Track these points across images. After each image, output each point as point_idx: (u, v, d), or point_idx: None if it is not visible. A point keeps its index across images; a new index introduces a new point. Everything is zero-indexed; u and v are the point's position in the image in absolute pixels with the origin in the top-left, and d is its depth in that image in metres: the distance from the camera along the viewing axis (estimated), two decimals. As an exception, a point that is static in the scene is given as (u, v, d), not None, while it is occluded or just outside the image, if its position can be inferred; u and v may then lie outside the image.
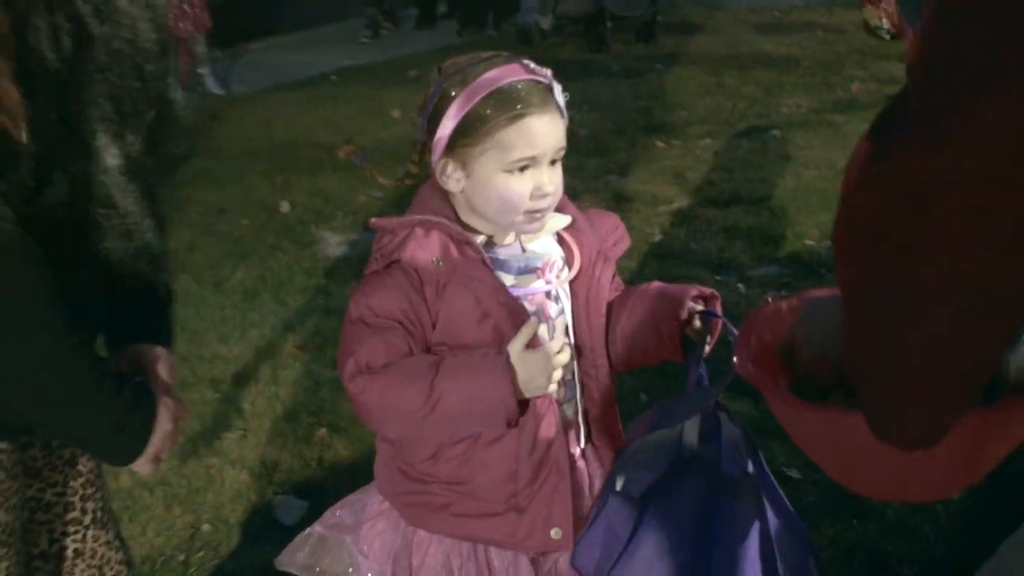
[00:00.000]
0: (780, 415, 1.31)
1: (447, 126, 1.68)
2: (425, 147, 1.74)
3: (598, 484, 1.83)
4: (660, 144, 6.30)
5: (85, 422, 1.43)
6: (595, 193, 5.38)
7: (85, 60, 1.30)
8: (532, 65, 1.72)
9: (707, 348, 1.75)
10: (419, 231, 1.69)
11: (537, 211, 1.71)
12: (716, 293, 1.83)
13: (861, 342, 1.04)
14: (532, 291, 1.76)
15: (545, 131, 1.68)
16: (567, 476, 1.77)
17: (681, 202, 5.33)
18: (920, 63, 0.88)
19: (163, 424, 1.52)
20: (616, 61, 8.55)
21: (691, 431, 1.73)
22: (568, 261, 1.81)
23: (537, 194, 1.69)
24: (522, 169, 1.67)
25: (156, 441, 1.51)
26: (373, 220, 1.75)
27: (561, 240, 1.82)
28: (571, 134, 1.74)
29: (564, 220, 1.80)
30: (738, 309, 3.97)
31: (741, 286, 4.30)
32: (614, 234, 1.88)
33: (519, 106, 1.65)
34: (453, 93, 1.68)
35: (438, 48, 8.84)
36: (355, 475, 2.86)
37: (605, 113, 6.90)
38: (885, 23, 7.64)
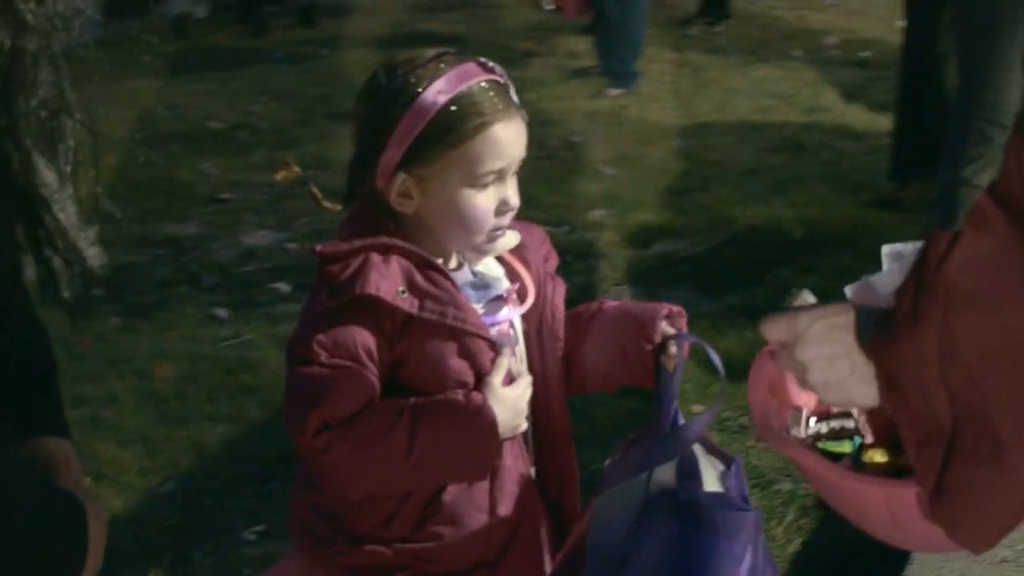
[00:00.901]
0: (825, 487, 1.34)
1: (400, 140, 1.49)
2: (370, 162, 1.52)
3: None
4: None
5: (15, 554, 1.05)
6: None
7: None
8: (488, 63, 1.54)
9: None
10: (376, 257, 1.48)
11: (500, 229, 1.56)
12: (682, 310, 1.67)
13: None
14: (500, 320, 1.59)
15: (512, 139, 1.52)
16: (539, 524, 1.63)
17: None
18: None
19: (97, 538, 1.18)
20: (278, 47, 8.16)
21: (664, 470, 1.54)
22: (517, 283, 1.64)
23: (503, 209, 1.54)
24: (487, 184, 1.52)
25: (92, 560, 1.17)
26: (319, 247, 1.51)
27: (501, 259, 1.65)
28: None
29: (514, 238, 1.62)
30: None
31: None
32: (543, 248, 1.70)
33: (486, 113, 1.49)
34: (405, 103, 1.49)
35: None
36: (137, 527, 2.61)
37: (284, 103, 6.50)
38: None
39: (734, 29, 7.68)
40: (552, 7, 7.52)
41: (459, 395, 1.51)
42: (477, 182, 1.51)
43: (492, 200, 1.52)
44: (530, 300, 1.63)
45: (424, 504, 1.55)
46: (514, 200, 1.55)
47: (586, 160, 5.20)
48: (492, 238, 1.56)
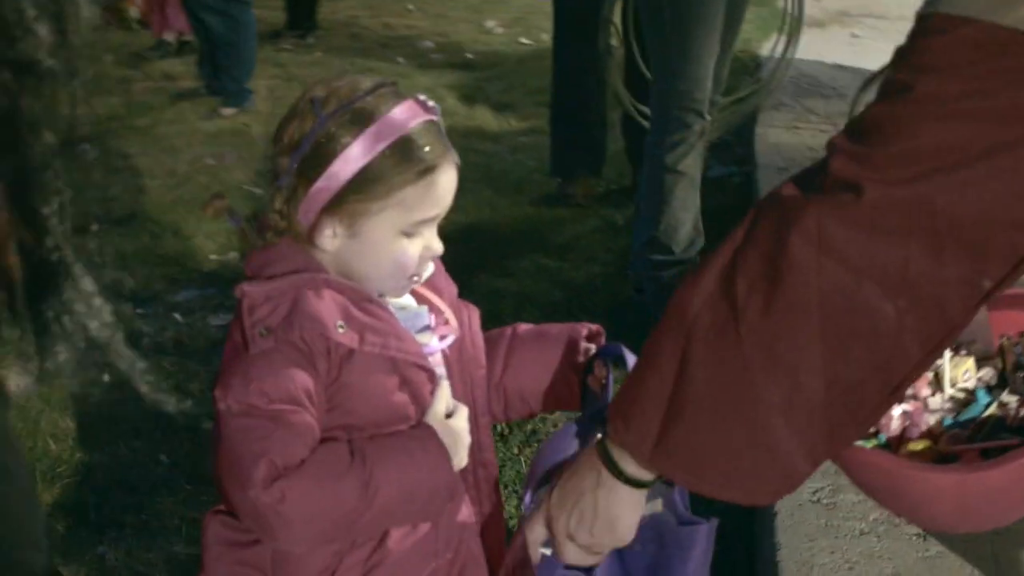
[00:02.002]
0: (887, 481, 1.39)
1: (335, 177, 1.41)
2: (294, 196, 1.44)
3: None
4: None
5: None
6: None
7: None
8: (427, 101, 1.48)
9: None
10: (308, 293, 1.42)
11: (420, 274, 1.52)
12: (600, 328, 1.67)
13: None
14: (434, 350, 1.55)
15: (450, 186, 1.47)
16: (482, 564, 1.59)
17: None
18: None
19: None
20: None
21: None
22: (434, 312, 1.60)
23: (427, 255, 1.50)
24: (419, 230, 1.47)
25: None
26: (244, 287, 1.43)
27: (412, 290, 1.59)
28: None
29: (430, 267, 1.56)
30: (195, 342, 3.58)
31: (178, 316, 3.78)
32: (444, 276, 1.64)
33: (427, 159, 1.43)
34: (345, 138, 1.41)
35: None
36: None
37: None
38: (134, 11, 7.27)
39: (325, 40, 7.57)
40: (137, 25, 7.09)
41: (406, 430, 1.47)
42: (411, 229, 1.46)
43: (418, 246, 1.48)
44: (455, 327, 1.59)
45: (368, 554, 1.48)
46: (438, 246, 1.50)
47: (229, 182, 4.91)
48: (411, 282, 1.52)
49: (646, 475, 1.31)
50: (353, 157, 1.40)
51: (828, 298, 1.09)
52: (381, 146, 1.40)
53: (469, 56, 6.96)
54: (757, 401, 1.14)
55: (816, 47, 5.90)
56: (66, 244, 0.97)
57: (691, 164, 3.45)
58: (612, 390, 1.54)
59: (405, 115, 1.43)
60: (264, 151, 1.47)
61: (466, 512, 1.57)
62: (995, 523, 1.48)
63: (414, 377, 1.48)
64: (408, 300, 1.57)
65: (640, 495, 1.35)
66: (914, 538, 2.13)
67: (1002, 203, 1.02)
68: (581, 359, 1.62)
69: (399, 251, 1.46)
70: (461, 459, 1.52)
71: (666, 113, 3.42)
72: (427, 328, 1.55)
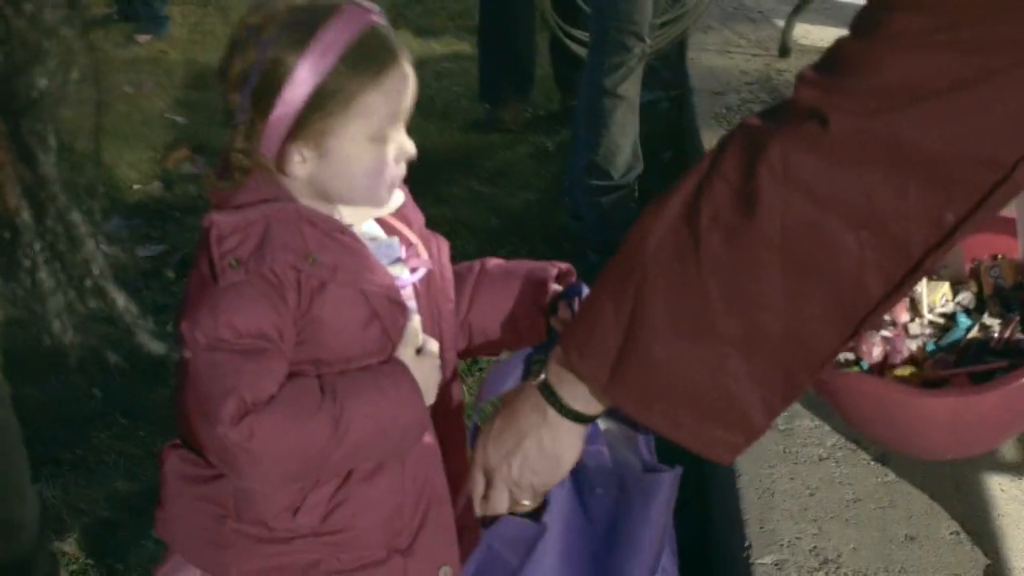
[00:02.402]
0: (880, 408, 1.44)
1: (291, 102, 1.36)
2: (254, 129, 1.39)
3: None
4: None
5: None
6: None
7: None
8: (364, 4, 1.42)
9: None
10: (279, 224, 1.38)
11: (398, 179, 1.47)
12: (571, 268, 1.64)
13: None
14: (406, 283, 1.50)
15: (408, 83, 1.44)
16: (447, 501, 1.55)
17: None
18: None
19: None
20: None
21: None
22: (404, 243, 1.55)
23: (400, 158, 1.45)
24: (387, 133, 1.42)
25: None
26: (213, 216, 1.38)
27: (380, 220, 1.54)
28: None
29: (399, 197, 1.53)
30: (124, 274, 3.46)
31: (103, 247, 3.65)
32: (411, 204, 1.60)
33: (379, 61, 1.39)
34: (291, 60, 1.35)
35: None
36: None
37: None
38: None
39: (236, -37, 7.35)
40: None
41: (377, 365, 1.44)
42: (378, 133, 1.41)
43: (392, 150, 1.44)
44: (426, 259, 1.54)
45: (333, 491, 1.45)
46: (410, 146, 1.46)
47: (150, 110, 4.76)
48: (392, 189, 1.48)
49: (593, 409, 1.30)
50: (303, 78, 1.36)
51: (791, 231, 1.08)
52: (329, 60, 1.36)
53: (387, -21, 6.82)
54: (715, 334, 1.13)
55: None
56: (57, 180, 0.90)
57: (630, 88, 3.42)
58: None
59: (346, 23, 1.37)
60: (184, 80, 1.41)
61: (431, 447, 1.55)
62: (985, 447, 1.49)
63: (386, 310, 1.45)
64: (378, 231, 1.53)
65: (584, 430, 1.35)
66: (873, 463, 2.15)
67: (968, 138, 1.02)
68: (548, 299, 1.59)
69: (373, 159, 1.42)
70: (431, 395, 1.49)
71: (605, 36, 3.38)
72: (398, 260, 1.51)
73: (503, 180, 4.08)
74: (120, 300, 0.97)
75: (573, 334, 1.27)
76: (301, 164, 1.41)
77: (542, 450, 1.34)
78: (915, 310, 1.54)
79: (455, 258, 3.64)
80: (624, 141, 3.45)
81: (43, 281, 0.90)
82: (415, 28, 5.84)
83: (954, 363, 1.43)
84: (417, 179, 4.12)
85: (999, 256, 1.50)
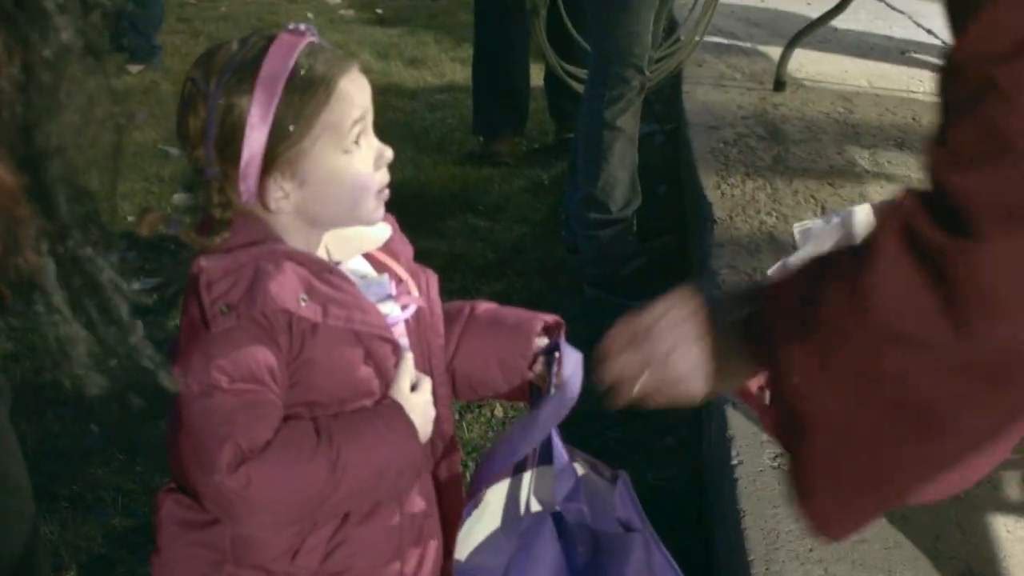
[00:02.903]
0: None
1: (255, 139, 1.37)
2: (227, 179, 1.40)
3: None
4: None
5: None
6: None
7: None
8: (299, 26, 1.44)
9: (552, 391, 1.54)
10: (268, 266, 1.38)
11: (385, 186, 1.47)
12: (561, 321, 1.63)
13: None
14: (396, 320, 1.51)
15: (359, 84, 1.43)
16: (439, 536, 1.58)
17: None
18: None
19: None
20: None
21: (544, 488, 1.54)
22: (394, 279, 1.55)
23: (380, 163, 1.45)
24: (357, 141, 1.42)
25: None
26: (201, 262, 1.39)
27: (368, 256, 1.55)
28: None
29: (386, 230, 1.54)
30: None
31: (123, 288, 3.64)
32: (399, 236, 1.61)
33: (326, 73, 1.39)
34: (242, 103, 1.36)
35: None
36: None
37: None
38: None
39: (230, -5, 7.36)
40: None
41: (372, 406, 1.45)
42: (347, 142, 1.41)
43: (368, 157, 1.44)
44: (416, 296, 1.55)
45: (331, 533, 1.45)
46: (387, 151, 1.46)
47: (143, 141, 4.75)
48: (381, 197, 1.47)
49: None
50: (259, 115, 1.36)
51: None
52: (277, 93, 1.36)
53: (379, 11, 6.83)
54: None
55: (729, 3, 5.91)
56: (78, 228, 0.89)
57: (629, 120, 3.42)
58: (553, 390, 1.53)
59: (284, 49, 1.38)
60: (176, 110, 1.41)
61: (427, 485, 1.56)
62: (956, 486, 1.48)
63: (378, 350, 1.45)
64: (367, 268, 1.54)
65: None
66: (877, 501, 2.14)
67: None
68: (531, 353, 1.60)
69: (353, 170, 1.42)
70: (426, 433, 1.50)
71: (605, 68, 3.38)
72: (389, 297, 1.51)
73: (498, 213, 4.07)
74: (142, 344, 0.96)
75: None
76: (284, 198, 1.41)
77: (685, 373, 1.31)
78: None
79: (451, 293, 3.61)
80: (623, 174, 3.44)
81: (68, 334, 0.88)
82: (408, 60, 5.85)
83: None
84: (412, 212, 4.14)
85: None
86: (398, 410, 1.44)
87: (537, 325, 1.62)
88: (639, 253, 3.55)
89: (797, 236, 1.57)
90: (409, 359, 1.49)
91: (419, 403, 1.48)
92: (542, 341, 1.61)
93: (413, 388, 1.49)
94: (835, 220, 1.60)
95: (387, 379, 1.46)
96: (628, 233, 3.53)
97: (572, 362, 1.55)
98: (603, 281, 3.50)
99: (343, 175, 1.41)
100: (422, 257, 3.68)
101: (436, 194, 4.20)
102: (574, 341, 3.25)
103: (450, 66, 5.74)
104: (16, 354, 3.05)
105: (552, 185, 4.27)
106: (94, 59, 0.85)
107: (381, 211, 1.48)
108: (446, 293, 3.46)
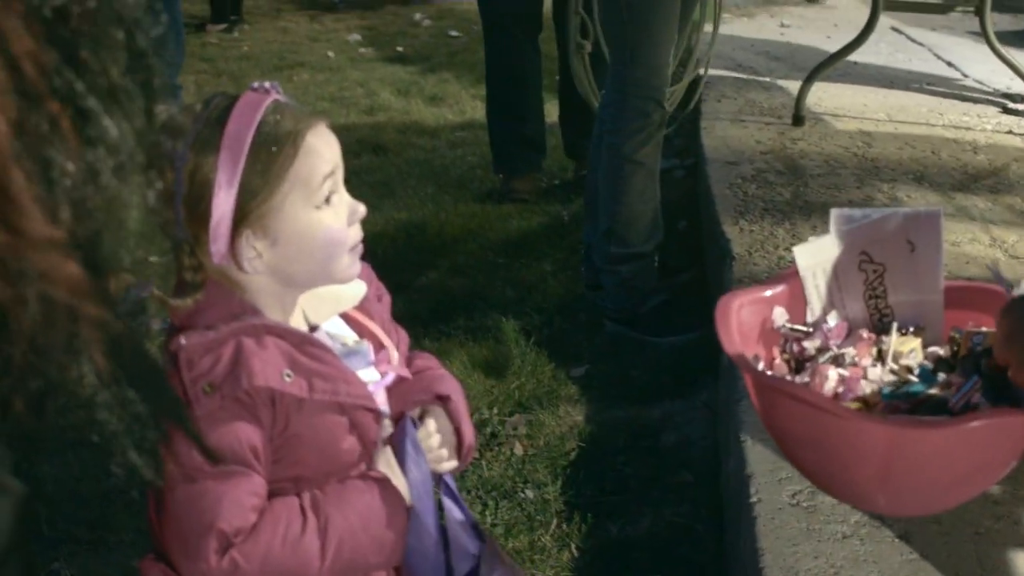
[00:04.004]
0: (822, 429, 1.31)
1: (223, 199, 1.34)
2: (197, 241, 1.37)
3: None
4: None
5: None
6: None
7: None
8: (261, 85, 1.42)
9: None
10: (249, 343, 1.35)
11: (359, 242, 1.45)
12: (451, 397, 1.57)
13: None
14: (376, 388, 1.49)
15: (327, 140, 1.42)
16: None
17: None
18: None
19: None
20: None
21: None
22: (371, 341, 1.54)
23: (353, 219, 1.44)
24: (328, 200, 1.40)
25: None
26: (180, 340, 1.35)
27: (345, 316, 1.54)
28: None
29: (360, 288, 1.52)
30: None
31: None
32: (374, 286, 1.58)
33: (292, 128, 1.38)
34: (207, 163, 1.33)
35: None
36: None
37: None
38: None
39: (251, 34, 7.44)
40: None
41: (358, 478, 1.43)
42: (319, 198, 1.39)
43: (341, 213, 1.42)
44: (395, 358, 1.54)
45: None
46: (361, 207, 1.45)
47: (166, 177, 4.77)
48: (355, 253, 1.45)
49: None
50: (225, 177, 1.34)
51: None
52: (243, 151, 1.34)
53: (399, 49, 6.88)
54: None
55: (749, 37, 5.92)
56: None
57: (649, 154, 3.42)
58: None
59: (248, 108, 1.36)
60: None
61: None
62: (919, 506, 1.46)
63: (362, 419, 1.44)
64: (346, 330, 1.53)
65: None
66: (897, 540, 2.12)
67: None
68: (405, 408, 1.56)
69: (325, 225, 1.40)
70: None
71: (624, 101, 3.39)
72: (369, 364, 1.51)
73: (518, 251, 4.08)
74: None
75: None
76: (258, 258, 1.39)
77: None
78: (880, 359, 1.51)
79: (471, 331, 3.63)
80: (644, 208, 3.44)
81: (106, 419, 0.87)
82: (428, 97, 5.89)
83: (906, 411, 1.40)
84: (432, 250, 4.15)
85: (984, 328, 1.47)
86: (384, 478, 1.44)
87: (427, 392, 1.57)
88: (660, 289, 3.55)
89: (833, 222, 1.56)
90: (386, 427, 1.48)
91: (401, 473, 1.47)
92: (413, 412, 1.55)
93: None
94: (875, 215, 1.58)
95: (369, 449, 1.46)
96: (649, 269, 3.53)
97: (406, 448, 1.50)
98: (624, 317, 3.50)
99: (315, 230, 1.40)
100: (444, 295, 3.73)
101: (456, 231, 4.21)
102: (596, 377, 3.27)
103: (470, 103, 5.77)
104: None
105: (571, 222, 4.28)
106: (154, 173, 0.82)
107: (356, 268, 1.46)
108: (466, 331, 3.50)
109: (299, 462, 1.39)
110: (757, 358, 1.52)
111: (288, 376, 1.35)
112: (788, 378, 1.50)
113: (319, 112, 1.47)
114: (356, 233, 1.44)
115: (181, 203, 1.34)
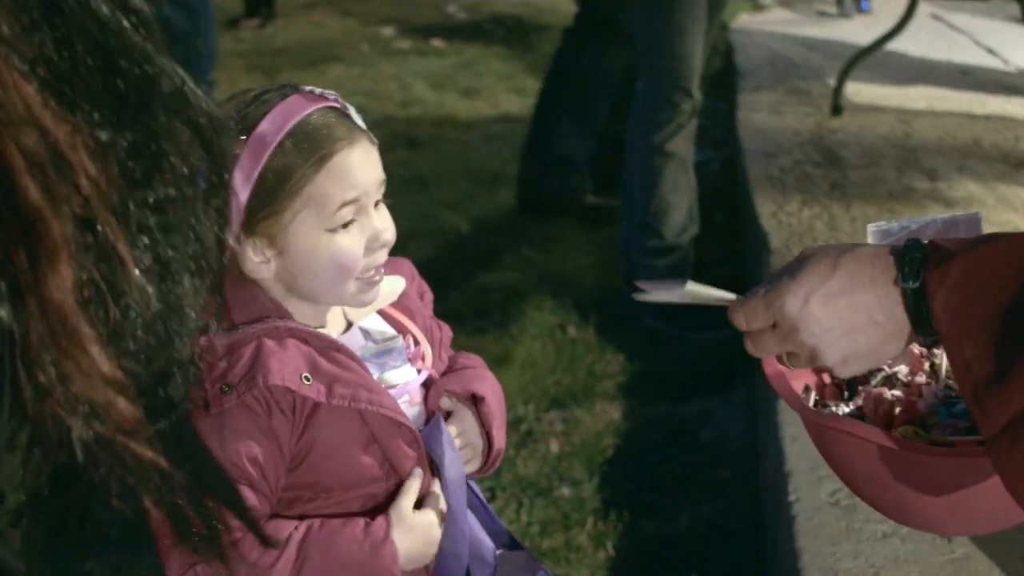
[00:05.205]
0: (883, 464, 1.24)
1: (236, 198, 1.28)
2: None
3: None
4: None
5: None
6: None
7: None
8: (316, 90, 1.37)
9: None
10: (270, 343, 1.31)
11: (375, 271, 1.37)
12: (488, 398, 1.50)
13: None
14: (407, 388, 1.43)
15: (361, 164, 1.34)
16: None
17: None
18: None
19: None
20: None
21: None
22: (407, 338, 1.49)
23: (374, 246, 1.36)
24: (347, 224, 1.34)
25: None
26: (202, 341, 1.20)
27: (383, 313, 1.48)
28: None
29: (398, 284, 1.46)
30: None
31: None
32: (415, 284, 1.53)
33: (323, 144, 1.32)
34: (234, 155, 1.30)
35: None
36: None
37: None
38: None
39: (285, 29, 7.43)
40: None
41: (360, 524, 1.35)
42: (335, 223, 1.33)
43: (358, 239, 1.35)
44: (429, 360, 1.48)
45: None
46: (387, 234, 1.37)
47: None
48: (369, 282, 1.38)
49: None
50: (240, 180, 1.29)
51: None
52: (264, 157, 1.29)
53: (435, 43, 6.86)
54: None
55: (785, 27, 5.86)
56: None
57: (681, 145, 3.38)
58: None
59: (279, 116, 1.31)
60: None
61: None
62: (988, 525, 1.42)
63: (384, 433, 1.37)
64: (384, 326, 1.48)
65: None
66: (939, 540, 2.08)
67: None
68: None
69: (335, 251, 1.33)
70: (426, 556, 1.41)
71: (654, 92, 3.36)
72: (407, 361, 1.45)
73: (553, 245, 4.05)
74: None
75: (971, 361, 1.05)
76: (265, 264, 1.34)
77: (870, 347, 1.16)
78: (934, 374, 1.47)
79: (504, 326, 3.60)
80: (676, 199, 3.41)
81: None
82: (463, 91, 5.86)
83: (965, 431, 1.35)
84: (466, 246, 4.13)
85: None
86: (383, 534, 1.35)
87: (463, 386, 1.50)
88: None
89: (871, 236, 1.50)
90: (417, 475, 1.40)
91: (420, 524, 1.39)
92: (446, 402, 1.49)
93: (419, 505, 1.40)
94: (913, 226, 1.53)
95: (396, 466, 1.39)
96: (685, 262, 3.49)
97: (442, 446, 1.45)
98: (660, 311, 3.47)
99: (323, 253, 1.34)
100: (478, 291, 3.71)
101: (491, 226, 4.19)
102: (633, 373, 3.24)
103: (505, 97, 5.74)
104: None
105: (608, 215, 4.25)
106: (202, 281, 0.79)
107: (370, 295, 1.39)
108: (501, 326, 3.47)
109: (315, 469, 1.34)
110: (808, 389, 1.46)
111: (307, 379, 1.31)
112: (840, 405, 1.45)
113: (365, 132, 1.37)
114: (373, 260, 1.37)
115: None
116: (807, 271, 1.17)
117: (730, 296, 1.26)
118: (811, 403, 1.40)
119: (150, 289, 0.69)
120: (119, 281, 0.67)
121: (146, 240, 0.69)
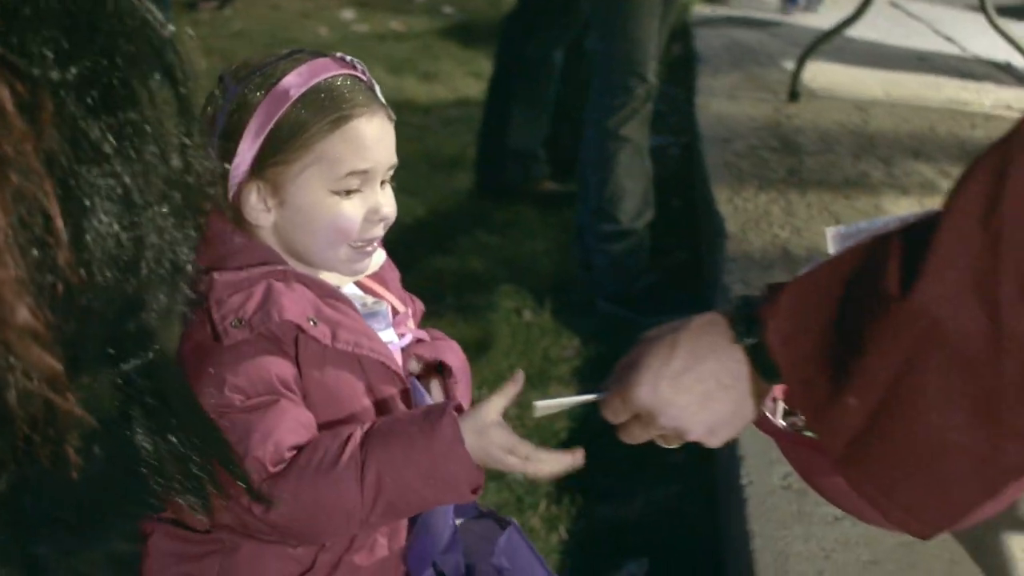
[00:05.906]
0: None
1: (250, 142, 1.34)
2: (223, 174, 1.36)
3: None
4: None
5: None
6: None
7: None
8: (346, 57, 1.42)
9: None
10: (278, 284, 1.35)
11: (369, 242, 1.40)
12: (457, 367, 1.53)
13: None
14: (394, 348, 1.45)
15: (377, 137, 1.38)
16: None
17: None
18: None
19: None
20: None
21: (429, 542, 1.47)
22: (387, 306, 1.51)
23: (373, 218, 1.38)
24: (350, 192, 1.37)
25: None
26: (213, 276, 1.34)
27: (359, 283, 1.50)
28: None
29: (380, 256, 1.48)
30: None
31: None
32: (387, 262, 1.55)
33: (343, 106, 1.35)
34: (254, 100, 1.34)
35: None
36: None
37: None
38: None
39: (243, 12, 7.36)
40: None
41: (418, 410, 1.38)
42: (340, 187, 1.36)
43: (359, 208, 1.38)
44: (413, 324, 1.51)
45: (329, 571, 1.39)
46: (387, 209, 1.40)
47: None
48: (361, 252, 1.41)
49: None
50: (264, 116, 1.34)
51: None
52: (291, 99, 1.34)
53: (393, 26, 6.82)
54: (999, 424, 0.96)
55: (745, 12, 5.87)
56: None
57: (635, 129, 3.37)
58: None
59: (313, 70, 1.36)
60: None
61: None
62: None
63: (379, 381, 1.40)
64: (361, 294, 1.49)
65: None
66: (889, 521, 2.09)
67: None
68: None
69: (334, 213, 1.37)
70: (485, 465, 1.35)
71: (608, 76, 3.35)
72: (388, 326, 1.47)
73: (511, 230, 4.04)
74: None
75: (808, 383, 1.06)
76: (265, 212, 1.38)
77: (729, 411, 1.16)
78: None
79: (461, 310, 3.59)
80: (631, 184, 3.40)
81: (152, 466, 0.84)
82: (421, 74, 5.84)
83: None
84: (422, 230, 4.10)
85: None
86: (442, 412, 1.33)
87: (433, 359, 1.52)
88: (652, 268, 3.51)
89: (830, 240, 1.49)
90: (519, 377, 1.37)
91: (496, 438, 1.34)
92: (414, 365, 1.51)
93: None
94: (871, 227, 1.52)
95: (386, 411, 1.41)
96: (641, 247, 3.49)
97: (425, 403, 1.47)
98: (616, 296, 3.47)
99: (324, 214, 1.37)
100: (434, 276, 3.69)
101: (448, 210, 4.17)
102: (587, 358, 3.23)
103: (464, 81, 5.71)
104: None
105: (564, 200, 4.24)
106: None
107: (360, 265, 1.42)
108: (457, 310, 3.46)
109: (313, 412, 1.36)
110: (776, 400, 1.43)
111: (313, 321, 1.34)
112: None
113: (385, 108, 1.40)
114: (369, 232, 1.39)
115: (217, 135, 1.35)
116: (648, 359, 1.17)
117: (591, 397, 1.28)
118: (779, 413, 1.38)
119: (104, 219, 0.68)
120: (48, 222, 0.66)
121: (105, 168, 0.68)
